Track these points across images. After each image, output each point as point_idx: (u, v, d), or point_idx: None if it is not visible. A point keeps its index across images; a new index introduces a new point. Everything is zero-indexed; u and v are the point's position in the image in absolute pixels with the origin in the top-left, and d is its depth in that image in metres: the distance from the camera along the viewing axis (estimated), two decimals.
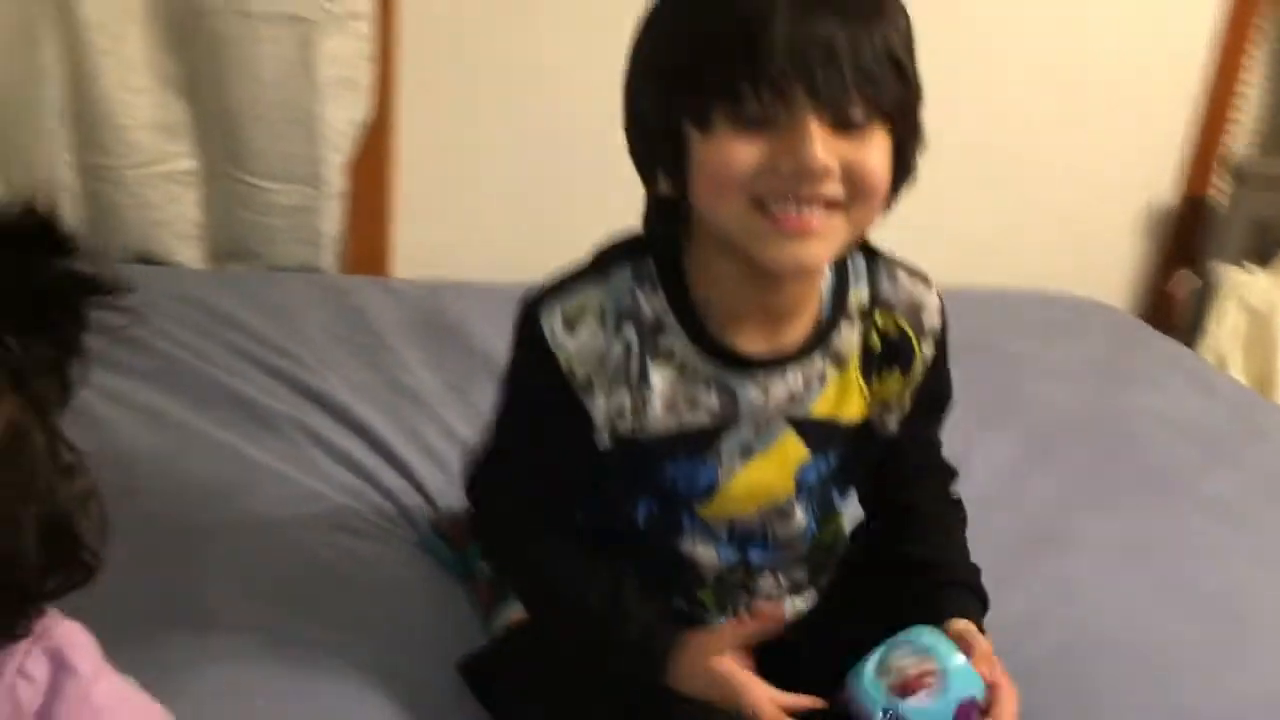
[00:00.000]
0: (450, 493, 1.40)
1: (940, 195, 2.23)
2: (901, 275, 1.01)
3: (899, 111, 0.86)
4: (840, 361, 0.98)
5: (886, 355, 0.99)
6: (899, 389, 1.01)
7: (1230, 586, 1.38)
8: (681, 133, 0.86)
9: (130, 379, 1.54)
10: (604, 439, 0.96)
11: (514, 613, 1.15)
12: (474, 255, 2.10)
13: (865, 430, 1.01)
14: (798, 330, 0.96)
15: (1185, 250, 2.42)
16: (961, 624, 0.98)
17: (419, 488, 1.41)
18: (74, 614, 0.77)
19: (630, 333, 0.94)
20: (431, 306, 1.89)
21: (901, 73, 0.85)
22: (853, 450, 1.01)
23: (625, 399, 0.95)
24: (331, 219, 1.99)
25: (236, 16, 1.78)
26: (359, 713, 1.05)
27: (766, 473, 0.99)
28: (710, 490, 0.98)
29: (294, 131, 1.88)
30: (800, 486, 1.00)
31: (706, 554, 1.02)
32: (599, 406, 0.95)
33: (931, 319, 1.01)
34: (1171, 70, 2.32)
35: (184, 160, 1.92)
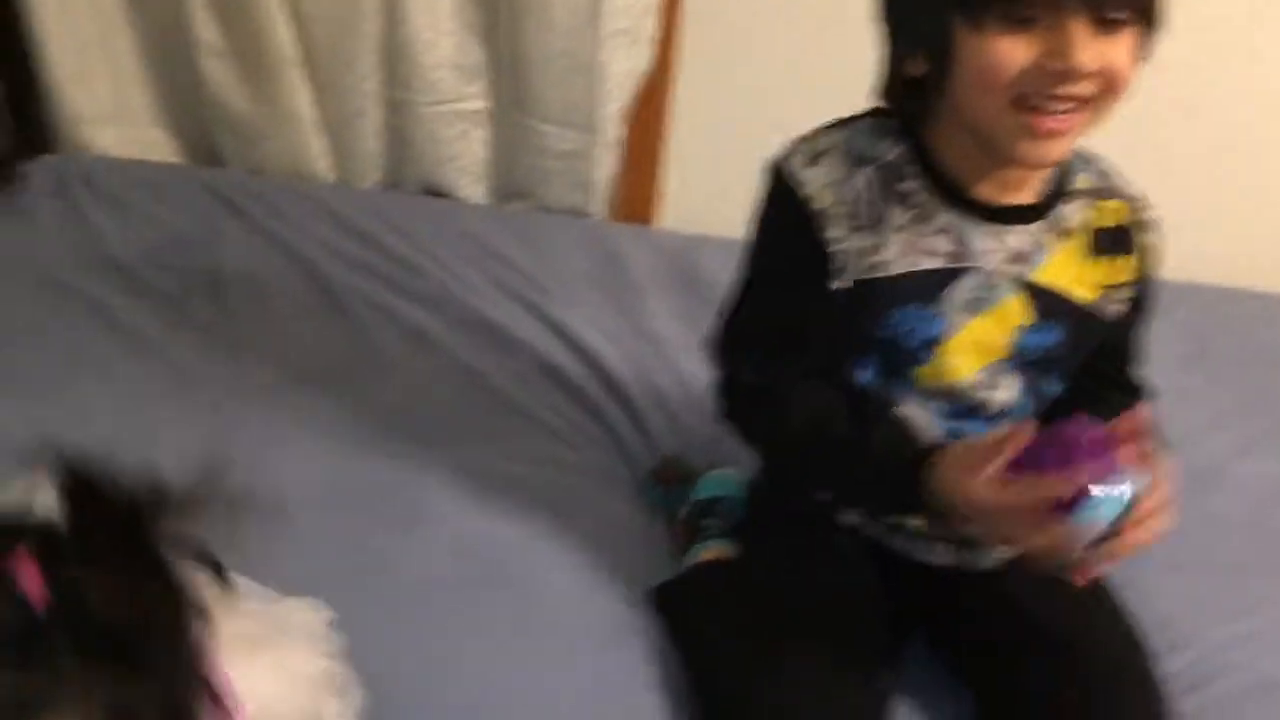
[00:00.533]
0: (671, 439, 1.45)
1: (1240, 180, 2.08)
2: (1116, 171, 1.07)
3: (1151, 9, 0.91)
4: (1065, 234, 1.03)
5: (1112, 239, 1.05)
6: (1126, 277, 1.06)
7: None
8: (949, 26, 0.90)
9: (399, 297, 1.68)
10: (841, 278, 0.99)
11: (706, 552, 1.20)
12: (739, 213, 2.12)
13: (1089, 315, 1.05)
14: (1027, 194, 1.02)
15: None
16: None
17: (643, 429, 1.46)
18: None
19: (870, 172, 0.99)
20: (689, 260, 1.94)
21: None
22: (1076, 332, 1.04)
23: (865, 238, 0.99)
24: (604, 166, 2.06)
25: None
26: (546, 624, 1.12)
27: (989, 331, 1.02)
28: (934, 342, 1.01)
29: (577, 79, 1.96)
30: (1018, 353, 1.03)
31: (924, 421, 1.05)
32: (838, 242, 0.99)
33: (1151, 216, 1.08)
34: None
35: (477, 101, 2.04)
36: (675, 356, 1.65)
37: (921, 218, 1.00)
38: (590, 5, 1.89)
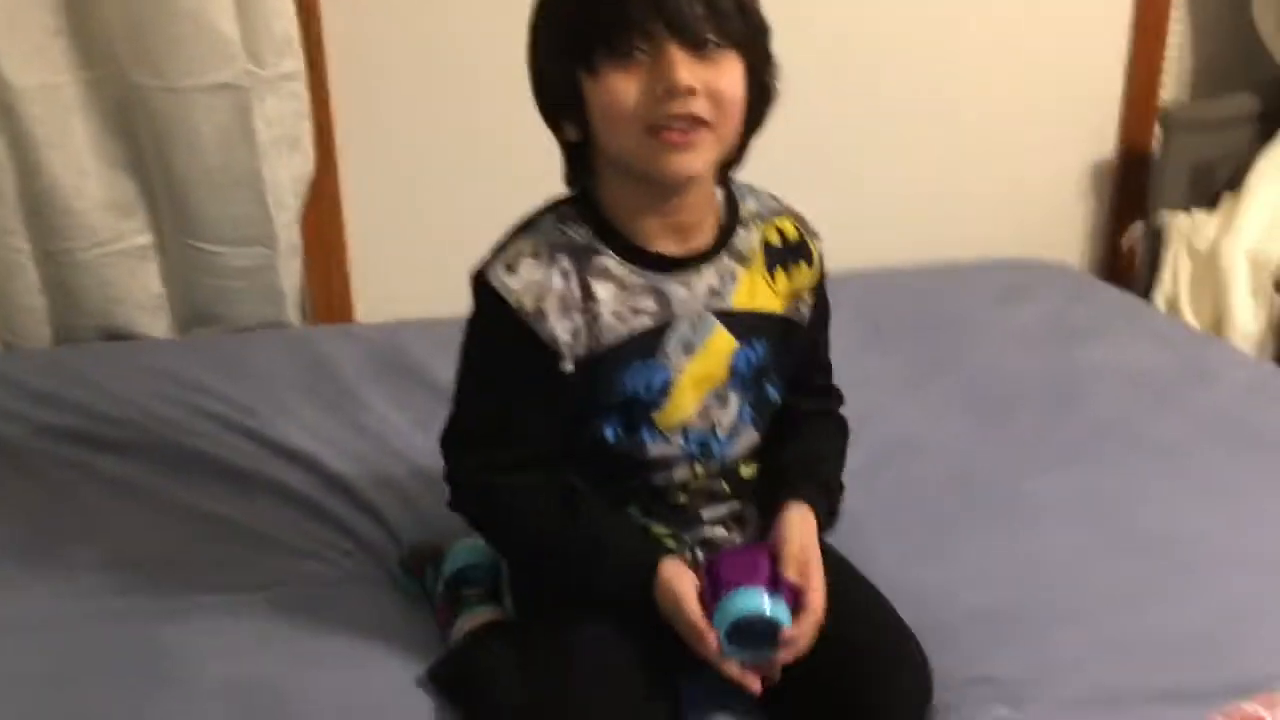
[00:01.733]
0: (414, 526, 1.46)
1: (885, 170, 2.31)
2: (779, 198, 1.22)
3: (747, 40, 1.05)
4: (744, 260, 1.15)
5: (788, 251, 1.18)
6: (809, 281, 1.20)
7: (1169, 528, 1.42)
8: (576, 80, 1.04)
9: (98, 450, 1.60)
10: (567, 363, 1.08)
11: (471, 620, 1.24)
12: (432, 291, 2.15)
13: (785, 322, 1.18)
14: (703, 238, 1.14)
15: (1133, 202, 2.46)
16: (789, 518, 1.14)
17: (385, 526, 1.46)
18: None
19: (565, 261, 1.09)
20: (393, 347, 1.95)
21: (744, 9, 1.04)
22: (778, 341, 1.18)
23: (578, 319, 1.08)
24: (290, 275, 2.04)
25: (168, 93, 1.83)
26: None
27: (707, 365, 1.14)
28: (665, 389, 1.12)
29: (241, 195, 1.94)
30: (734, 374, 1.15)
31: (673, 455, 1.15)
32: (555, 332, 1.07)
33: (813, 227, 1.22)
34: (1100, 24, 2.37)
35: (139, 235, 1.98)
36: (397, 444, 1.65)
37: (623, 286, 1.10)
38: (237, 120, 1.88)
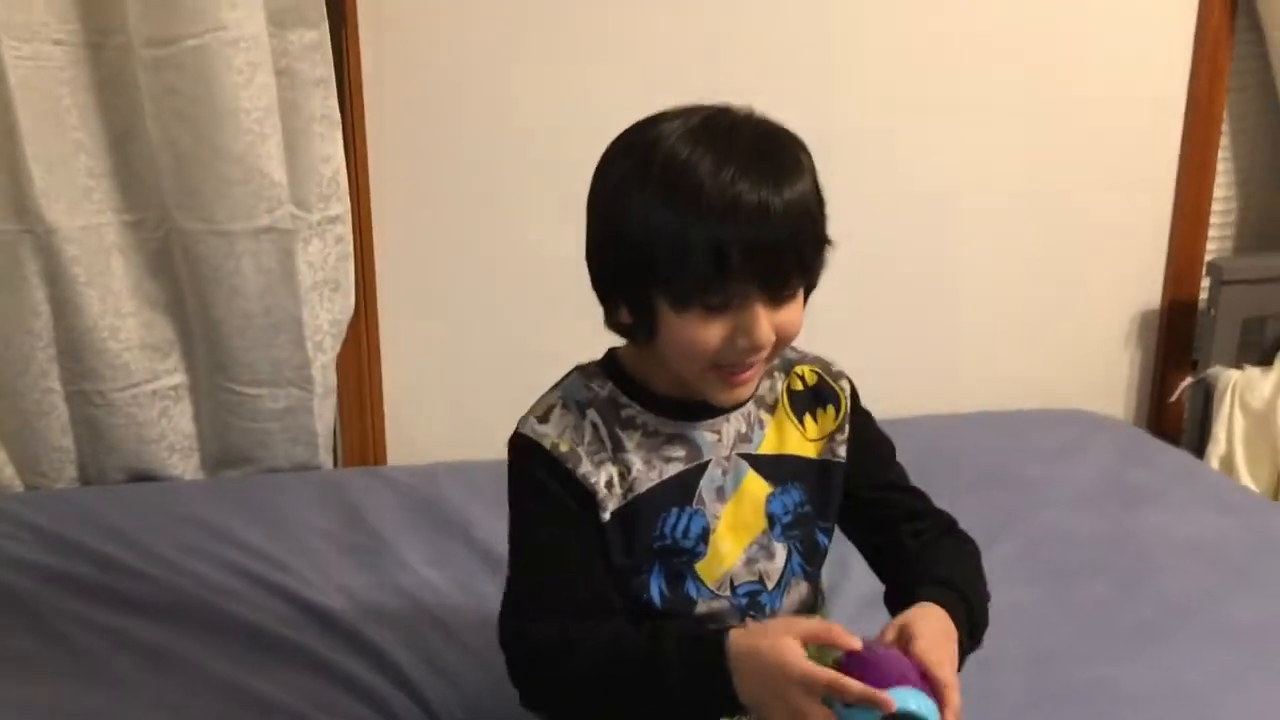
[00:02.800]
0: (453, 703, 1.38)
1: (930, 323, 2.28)
2: (797, 347, 1.18)
3: (816, 276, 1.06)
4: (769, 407, 1.15)
5: (813, 396, 1.17)
6: (836, 423, 1.17)
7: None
8: (652, 302, 1.02)
9: (130, 613, 1.53)
10: (605, 512, 1.06)
11: None
12: (466, 434, 2.10)
13: (821, 466, 1.16)
14: None
15: (1179, 354, 2.42)
16: (916, 613, 1.03)
17: (424, 706, 1.38)
18: None
19: (594, 414, 1.09)
20: (427, 492, 1.88)
21: (821, 247, 1.04)
22: (816, 485, 1.15)
23: (611, 469, 1.07)
24: (324, 417, 2.00)
25: (215, 236, 1.81)
26: None
27: (742, 511, 1.11)
28: (704, 536, 1.10)
29: (281, 337, 1.90)
30: (772, 521, 1.12)
31: (722, 610, 1.11)
32: (590, 477, 1.06)
33: (838, 369, 1.20)
34: (1146, 175, 2.35)
35: (173, 376, 1.94)
36: (435, 606, 1.58)
37: (650, 434, 1.09)
38: (280, 264, 1.85)
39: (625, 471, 1.07)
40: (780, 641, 0.97)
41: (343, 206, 1.90)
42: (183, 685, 1.39)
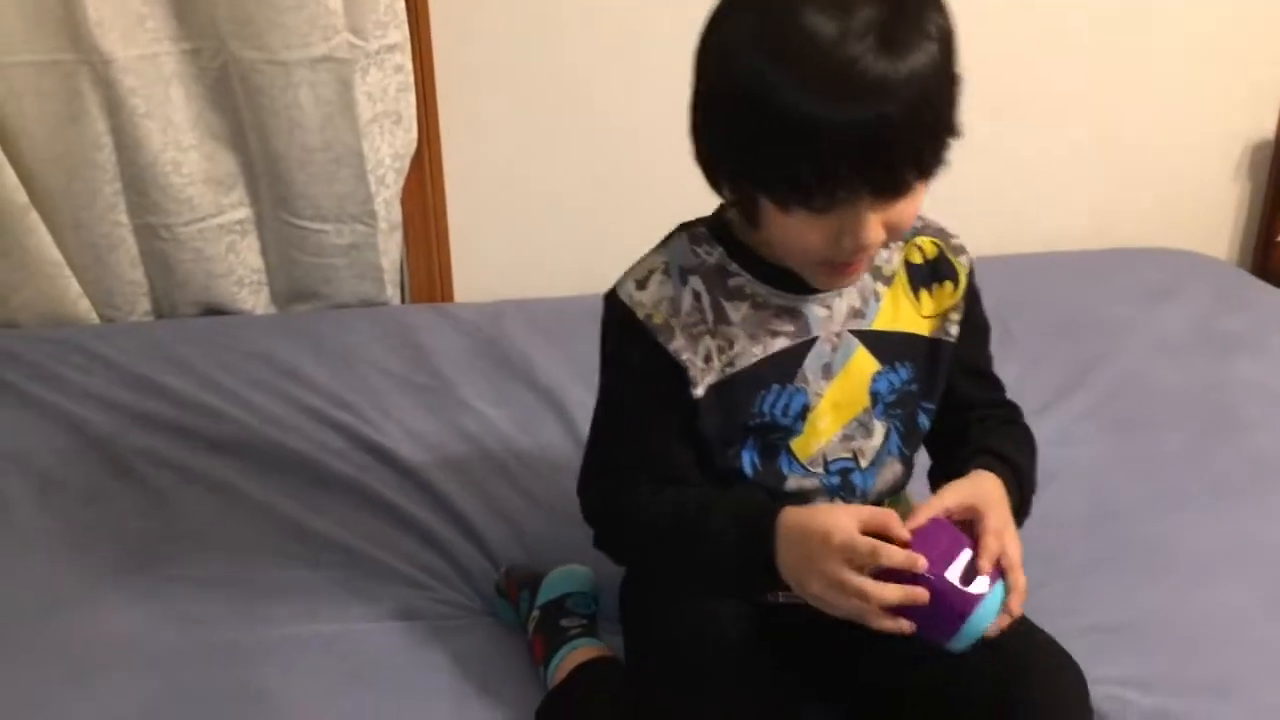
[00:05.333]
0: (515, 547, 1.39)
1: (1032, 158, 2.15)
2: (921, 215, 1.09)
3: (937, 164, 0.93)
4: (886, 279, 1.08)
5: (930, 270, 1.10)
6: (954, 300, 1.10)
7: None
8: (755, 192, 0.95)
9: (198, 448, 1.56)
10: (698, 388, 1.02)
11: (574, 654, 1.18)
12: (534, 270, 2.08)
13: (932, 345, 1.10)
14: None
15: None
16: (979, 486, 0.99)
17: (482, 547, 1.39)
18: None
19: (697, 282, 1.03)
20: (492, 332, 1.87)
21: (948, 139, 0.92)
22: (925, 364, 1.09)
23: (709, 343, 1.03)
24: (390, 252, 1.98)
25: (271, 66, 1.76)
26: None
27: (847, 389, 1.06)
28: (803, 414, 1.05)
29: (342, 172, 1.87)
30: (875, 399, 1.07)
31: (813, 488, 1.07)
32: (684, 352, 1.02)
33: (959, 242, 1.12)
34: (1264, 4, 2.16)
35: (238, 210, 1.93)
36: (498, 449, 1.58)
37: (757, 306, 1.04)
38: (339, 94, 1.80)
39: (726, 345, 1.03)
40: (831, 516, 0.95)
41: (401, 34, 1.83)
42: (246, 521, 1.43)
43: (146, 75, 1.77)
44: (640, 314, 1.02)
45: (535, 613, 1.25)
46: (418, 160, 1.96)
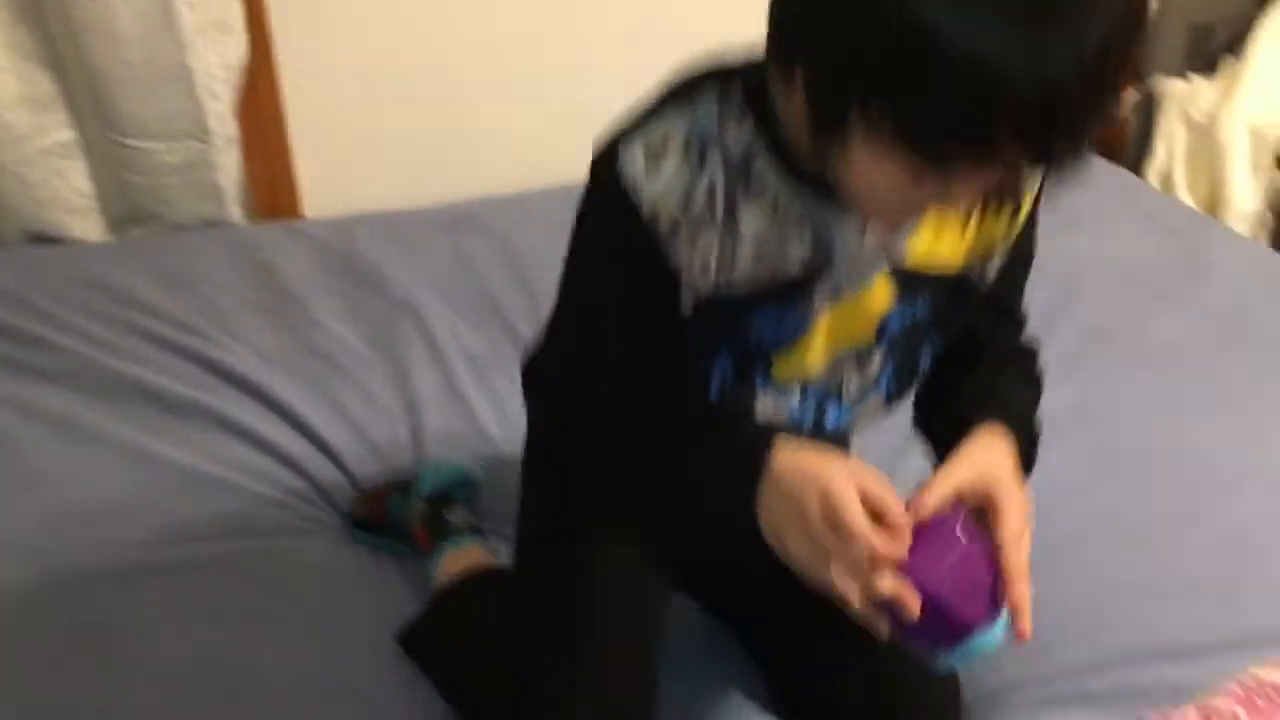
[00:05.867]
0: (370, 462, 1.38)
1: None
2: None
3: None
4: None
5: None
6: (1005, 230, 0.91)
7: (1176, 444, 1.35)
8: (848, 121, 0.71)
9: (35, 382, 1.50)
10: (691, 296, 0.85)
11: (453, 562, 1.18)
12: (384, 181, 2.03)
13: (959, 281, 0.91)
14: None
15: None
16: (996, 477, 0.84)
17: (338, 463, 1.37)
18: None
19: (716, 168, 0.82)
20: (342, 247, 1.83)
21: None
22: (945, 300, 0.91)
23: (712, 245, 0.84)
24: (228, 169, 1.90)
25: None
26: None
27: (849, 318, 0.90)
28: (795, 335, 0.89)
29: (168, 86, 1.77)
30: (882, 333, 0.92)
31: (778, 420, 0.94)
32: (683, 258, 0.84)
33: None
34: None
35: (59, 132, 1.82)
36: (351, 366, 1.56)
37: (778, 209, 0.83)
38: (160, 5, 1.71)
39: (729, 258, 0.84)
40: (832, 464, 0.80)
41: None
42: (95, 454, 1.38)
43: None
44: (645, 207, 0.82)
45: (421, 504, 1.24)
46: (250, 72, 1.88)
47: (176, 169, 1.86)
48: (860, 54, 0.68)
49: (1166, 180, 2.14)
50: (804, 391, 0.93)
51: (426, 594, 1.18)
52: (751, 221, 0.83)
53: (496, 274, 1.76)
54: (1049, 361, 1.47)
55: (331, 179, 2.03)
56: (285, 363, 1.55)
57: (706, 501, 0.89)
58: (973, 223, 0.87)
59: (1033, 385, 0.99)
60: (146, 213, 1.91)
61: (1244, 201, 2.02)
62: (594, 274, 0.89)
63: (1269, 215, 2.04)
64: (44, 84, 1.78)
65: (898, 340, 0.93)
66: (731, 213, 0.83)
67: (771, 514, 0.82)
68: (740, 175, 0.82)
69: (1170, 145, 2.14)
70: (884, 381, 0.95)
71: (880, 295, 0.89)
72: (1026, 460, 0.90)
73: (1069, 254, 1.77)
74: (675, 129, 0.82)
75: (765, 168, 0.82)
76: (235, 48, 1.83)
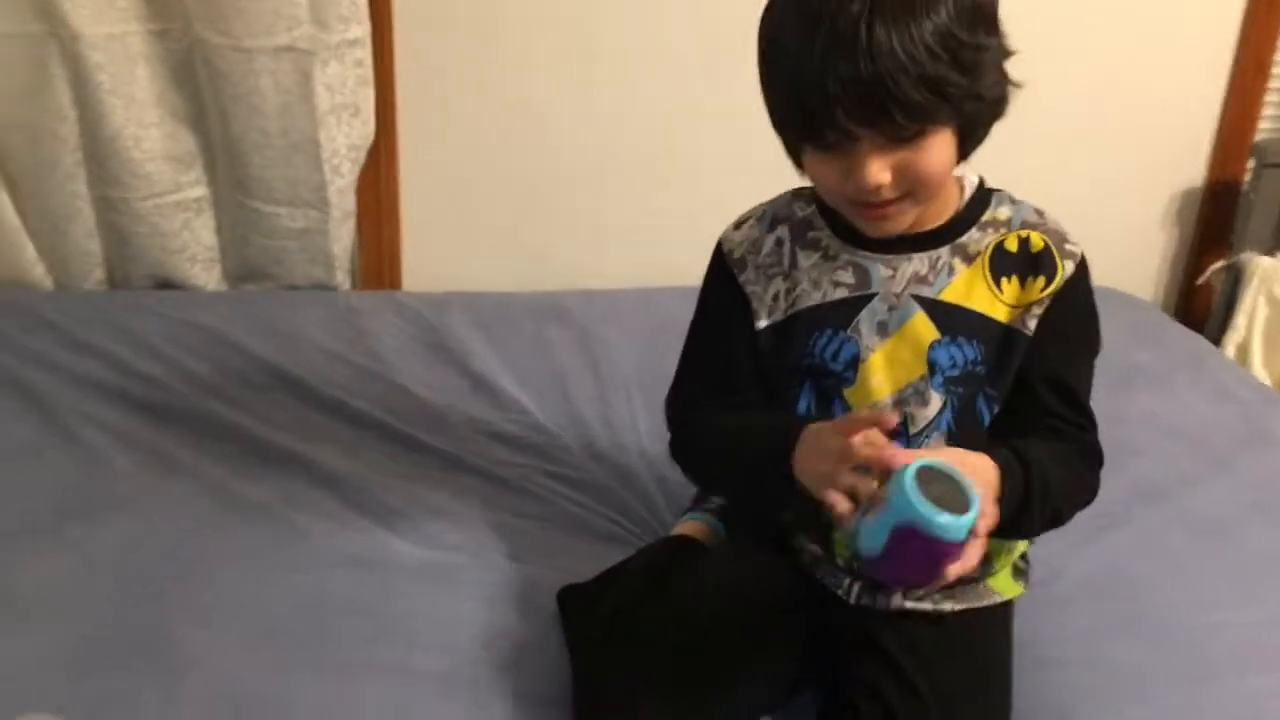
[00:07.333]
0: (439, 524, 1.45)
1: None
2: (1050, 215, 1.15)
3: (956, 108, 0.99)
4: (968, 256, 1.12)
5: (1029, 262, 1.11)
6: (1039, 295, 1.10)
7: (1207, 611, 1.36)
8: (784, 135, 1.07)
9: (137, 413, 1.62)
10: (761, 321, 1.15)
11: (681, 526, 1.36)
12: (481, 265, 2.15)
13: (1006, 331, 1.11)
14: (925, 227, 1.12)
15: (1218, 239, 2.36)
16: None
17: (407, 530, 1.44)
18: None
19: (782, 231, 1.16)
20: (434, 322, 1.94)
21: (959, 69, 0.96)
22: (996, 350, 1.11)
23: (779, 285, 1.15)
24: (341, 239, 2.04)
25: (234, 52, 1.82)
26: None
27: (901, 350, 1.12)
28: (853, 363, 1.12)
29: (298, 158, 1.93)
30: (934, 369, 1.11)
31: None
32: (753, 284, 1.16)
33: (1074, 247, 1.13)
34: (1200, 50, 2.26)
35: (195, 189, 1.99)
36: (425, 427, 1.64)
37: (827, 257, 1.14)
38: (299, 84, 1.87)
39: (793, 288, 1.14)
40: (831, 422, 1.03)
41: (363, 29, 1.90)
42: (177, 484, 1.48)
43: (114, 53, 1.83)
44: (726, 248, 1.18)
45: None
46: (374, 152, 2.03)
47: (295, 234, 2.00)
48: (766, 95, 1.04)
49: (1244, 352, 2.16)
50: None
51: None
52: (807, 264, 1.15)
53: (570, 360, 1.86)
54: (1092, 510, 1.52)
55: (433, 258, 2.17)
56: (369, 418, 1.64)
57: (766, 469, 1.08)
58: (1005, 284, 1.10)
59: (1069, 465, 1.12)
60: (262, 271, 2.06)
61: None
62: (697, 304, 1.22)
63: None
64: (187, 143, 1.95)
65: (954, 382, 1.12)
66: (794, 258, 1.15)
67: (798, 462, 1.04)
68: (801, 235, 1.16)
69: (1251, 319, 2.16)
70: (944, 420, 1.12)
71: (922, 328, 1.11)
72: (1022, 507, 1.04)
73: (1132, 411, 1.80)
74: (757, 210, 1.20)
75: (819, 228, 1.15)
76: (362, 129, 1.98)
